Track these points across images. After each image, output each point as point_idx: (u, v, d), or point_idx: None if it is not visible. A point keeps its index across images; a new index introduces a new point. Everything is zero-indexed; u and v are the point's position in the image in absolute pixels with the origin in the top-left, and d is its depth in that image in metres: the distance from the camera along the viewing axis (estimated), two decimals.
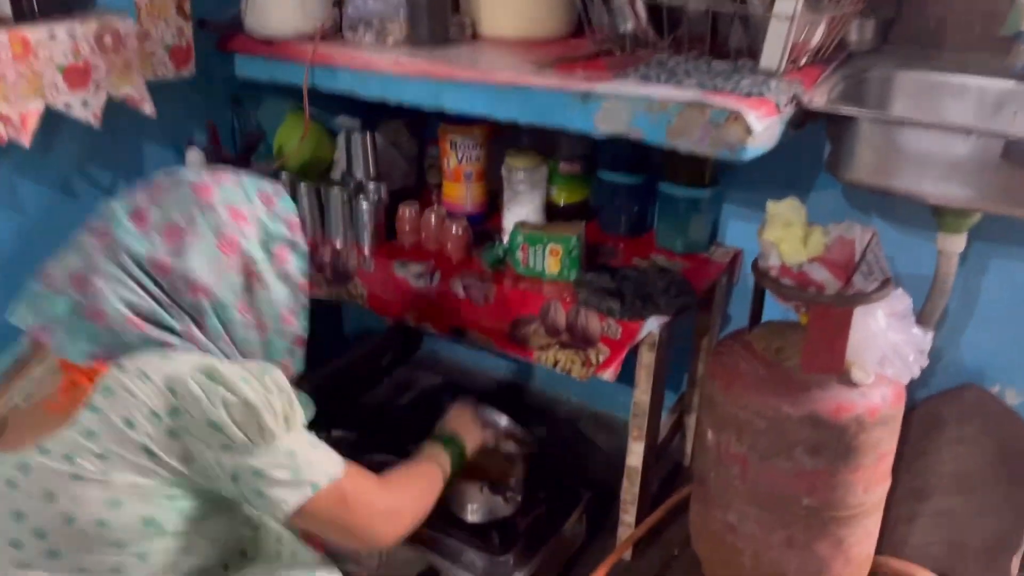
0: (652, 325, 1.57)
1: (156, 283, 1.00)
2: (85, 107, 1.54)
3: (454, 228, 1.84)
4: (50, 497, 0.95)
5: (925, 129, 1.38)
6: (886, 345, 1.43)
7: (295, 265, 1.10)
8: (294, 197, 1.87)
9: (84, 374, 0.98)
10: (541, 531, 1.66)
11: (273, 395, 0.99)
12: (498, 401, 2.26)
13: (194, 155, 1.81)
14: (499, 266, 1.78)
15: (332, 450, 1.09)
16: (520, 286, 1.72)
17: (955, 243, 1.56)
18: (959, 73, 1.59)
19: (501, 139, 1.98)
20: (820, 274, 1.40)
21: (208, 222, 1.03)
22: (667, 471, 2.09)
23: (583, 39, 1.73)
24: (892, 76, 1.61)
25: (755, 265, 1.52)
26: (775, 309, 1.59)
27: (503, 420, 1.74)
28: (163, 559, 1.02)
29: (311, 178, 1.92)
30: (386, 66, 1.62)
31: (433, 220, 1.87)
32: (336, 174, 2.02)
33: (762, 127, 1.29)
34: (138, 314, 0.99)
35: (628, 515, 1.76)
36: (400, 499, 1.18)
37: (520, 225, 1.76)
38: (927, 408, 1.80)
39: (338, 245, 1.89)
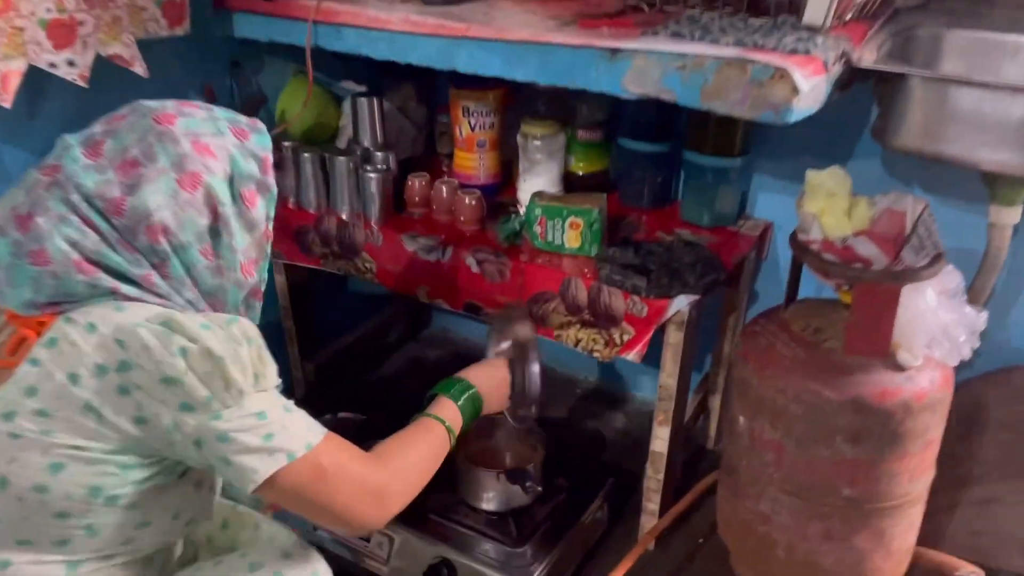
0: (681, 303, 1.47)
1: (108, 222, 0.89)
2: (71, 67, 1.43)
3: (467, 200, 1.73)
4: None
5: (986, 90, 1.27)
6: (936, 325, 1.33)
7: (262, 210, 0.98)
8: (297, 166, 1.78)
9: (31, 327, 0.88)
10: (561, 520, 1.57)
11: (241, 346, 0.88)
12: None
13: None
14: (515, 240, 1.67)
15: (309, 417, 0.98)
16: (538, 261, 1.61)
17: (1009, 215, 1.45)
18: (1012, 32, 1.47)
19: (516, 105, 1.87)
20: (867, 249, 1.29)
21: (168, 154, 0.91)
22: (689, 454, 2.00)
23: None
24: (942, 34, 1.49)
25: (793, 239, 1.41)
26: (806, 286, 1.48)
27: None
28: (115, 534, 0.93)
29: (315, 146, 1.81)
30: (395, 24, 1.51)
31: (444, 191, 1.76)
32: (341, 142, 1.91)
33: (809, 87, 1.17)
34: (86, 257, 0.88)
35: (651, 503, 1.67)
36: (390, 475, 1.03)
37: (537, 196, 1.65)
38: (970, 390, 1.70)
39: (344, 217, 1.79)
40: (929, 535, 1.57)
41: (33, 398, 0.86)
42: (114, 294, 0.89)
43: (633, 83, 1.29)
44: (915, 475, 1.40)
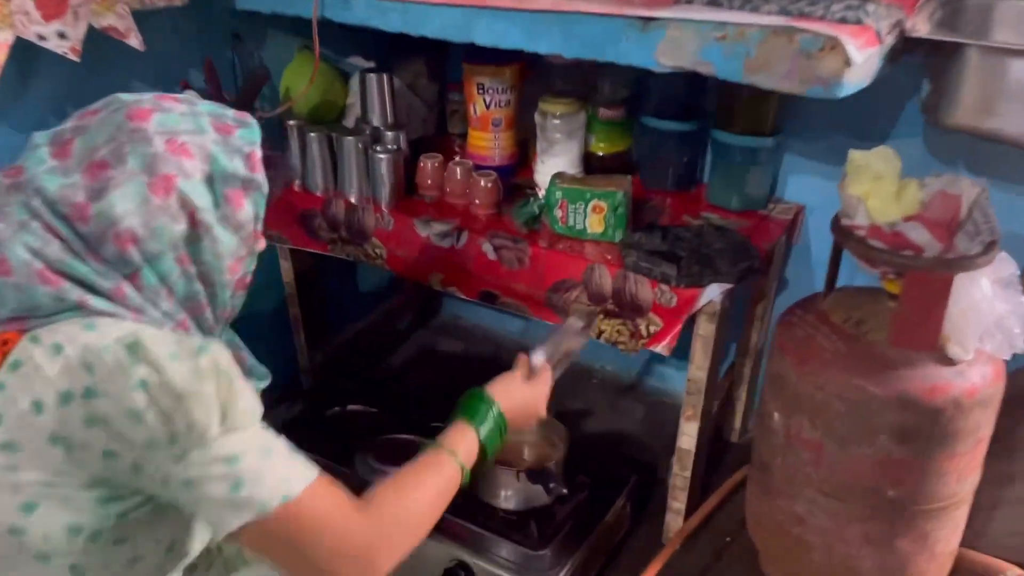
0: (712, 293, 1.38)
1: (72, 230, 0.80)
2: (62, 39, 1.34)
3: (482, 182, 1.64)
4: None
5: None
6: (989, 316, 1.24)
7: (250, 211, 0.88)
8: (303, 147, 1.68)
9: None
10: (583, 521, 1.49)
11: (207, 381, 0.78)
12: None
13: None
14: (534, 225, 1.58)
15: (296, 455, 0.85)
16: (558, 247, 1.52)
17: None
18: None
19: (532, 81, 1.77)
20: (918, 234, 1.20)
21: (139, 156, 0.81)
22: (713, 447, 1.92)
23: None
24: (993, 3, 1.39)
25: (836, 224, 1.32)
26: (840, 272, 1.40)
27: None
28: (103, 574, 0.84)
29: (322, 125, 1.72)
30: None
31: (459, 173, 1.67)
32: (349, 121, 1.82)
33: (862, 58, 1.08)
34: (50, 267, 0.79)
35: (678, 502, 1.59)
36: (381, 529, 0.89)
37: (558, 178, 1.56)
38: (1013, 383, 1.61)
39: (353, 200, 1.70)
40: (969, 535, 1.50)
41: None
42: (82, 307, 0.80)
43: (667, 55, 1.19)
44: (963, 475, 1.32)
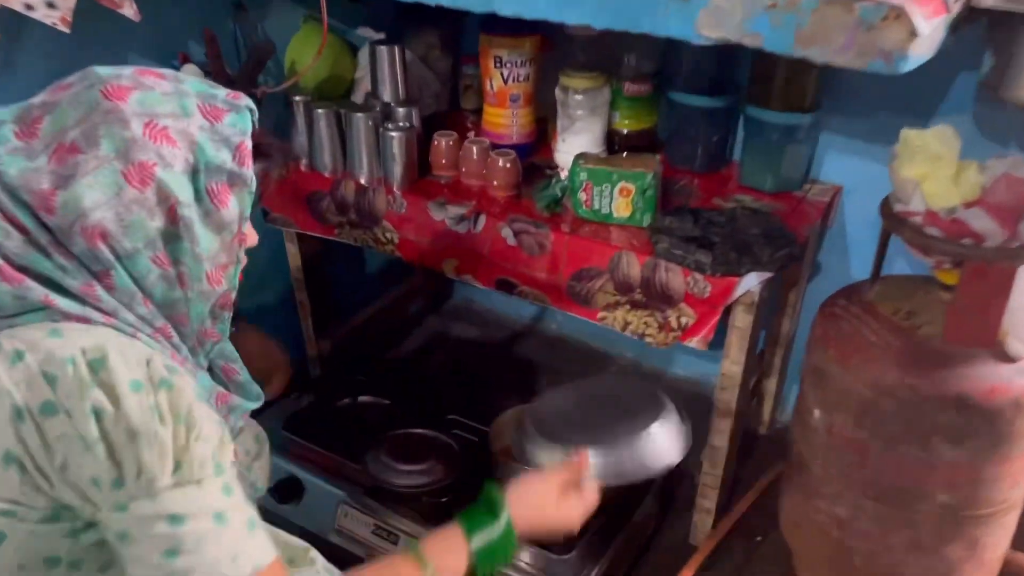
0: (750, 282, 1.29)
1: (37, 220, 0.71)
2: (51, 9, 1.24)
3: (500, 162, 1.54)
4: None
5: None
6: None
7: (235, 209, 0.78)
8: (310, 124, 1.58)
9: None
10: (610, 521, 1.41)
11: (164, 424, 0.68)
12: (539, 359, 2.03)
13: (188, 73, 1.50)
14: (555, 208, 1.49)
15: (256, 530, 0.75)
16: (582, 232, 1.43)
17: None
18: None
19: (552, 54, 1.66)
20: (981, 222, 1.11)
21: (113, 139, 0.72)
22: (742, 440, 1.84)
23: None
24: None
25: (886, 209, 1.22)
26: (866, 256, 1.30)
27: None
28: None
29: (330, 101, 1.62)
30: None
31: (475, 152, 1.57)
32: (358, 96, 1.72)
33: (929, 29, 0.97)
34: (10, 262, 0.71)
35: (707, 500, 1.51)
36: None
37: (582, 158, 1.46)
38: None
39: (363, 181, 1.60)
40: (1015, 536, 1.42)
41: None
42: (48, 308, 0.71)
43: (709, 26, 1.09)
44: (1018, 479, 1.23)
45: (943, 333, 1.18)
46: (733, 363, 1.37)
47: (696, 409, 1.89)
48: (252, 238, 0.86)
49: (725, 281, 1.30)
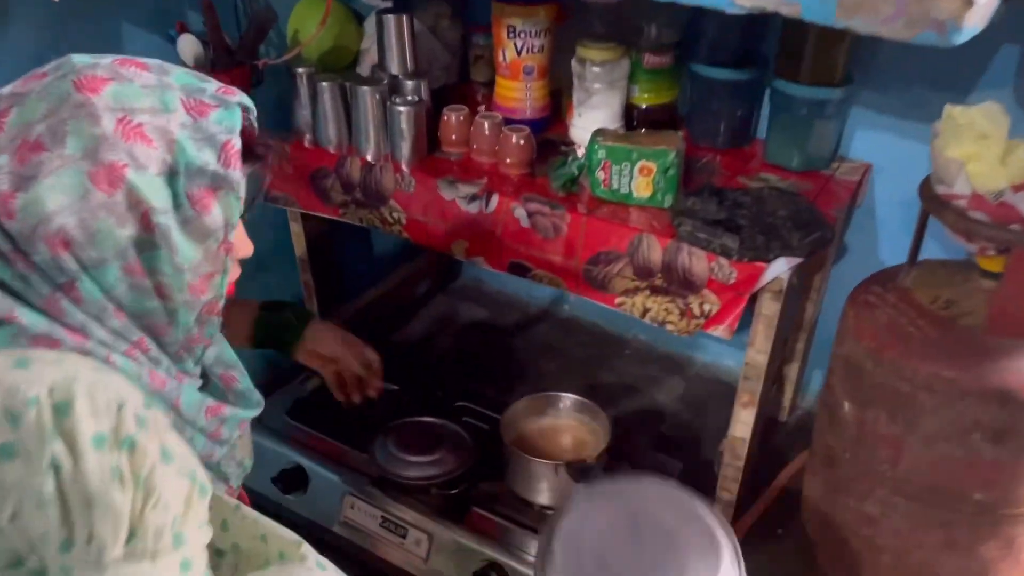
0: (779, 268, 1.22)
1: None
2: None
3: (514, 138, 1.46)
4: None
5: None
6: None
7: (219, 215, 0.71)
8: (313, 98, 1.51)
9: None
10: None
11: (123, 489, 0.61)
12: (552, 342, 1.97)
13: (186, 43, 1.43)
14: (572, 188, 1.41)
15: None
16: (600, 213, 1.36)
17: None
18: None
19: (569, 24, 1.58)
20: None
21: (81, 136, 0.65)
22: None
23: None
24: None
25: (926, 191, 1.15)
26: (901, 241, 1.23)
27: None
28: None
29: (334, 73, 1.54)
30: None
31: (487, 128, 1.50)
32: (364, 68, 1.64)
33: None
34: None
35: (728, 493, 1.45)
36: None
37: (600, 135, 1.38)
38: None
39: (369, 158, 1.53)
40: None
41: None
42: (10, 324, 0.64)
43: None
44: None
45: (985, 324, 1.12)
46: (758, 352, 1.30)
47: (714, 393, 1.85)
48: (245, 248, 0.79)
49: (752, 267, 1.23)
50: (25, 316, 0.65)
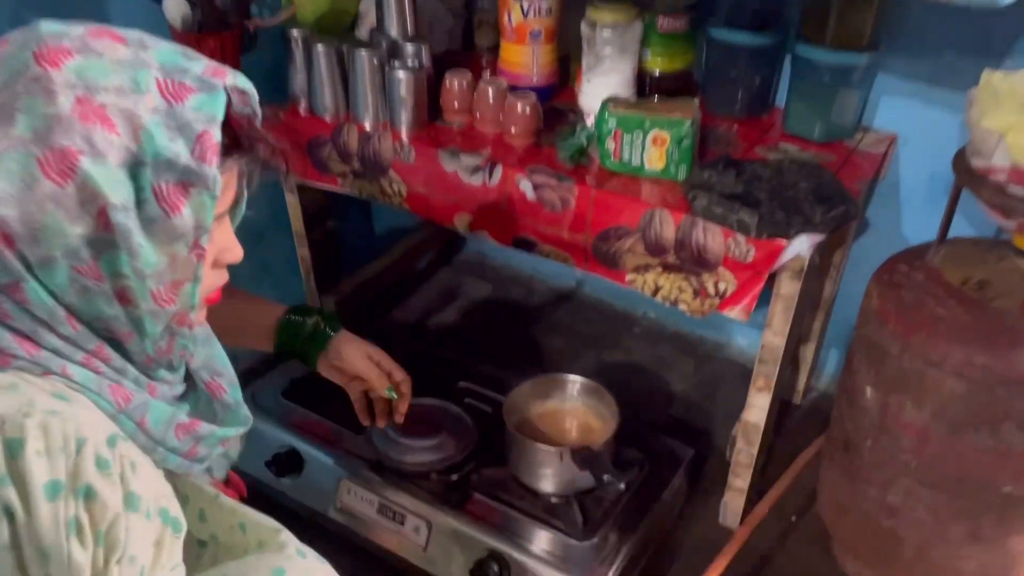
0: (800, 246, 1.15)
1: None
2: None
3: (519, 106, 1.39)
4: None
5: None
6: None
7: (189, 217, 0.62)
8: (309, 63, 1.43)
9: None
10: (636, 503, 1.30)
11: (85, 544, 0.56)
12: (558, 319, 1.90)
13: (172, 4, 1.35)
14: (580, 159, 1.34)
15: None
16: (610, 186, 1.28)
17: None
18: None
19: None
20: None
21: (33, 116, 0.56)
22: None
23: None
24: None
25: (960, 164, 1.07)
26: (931, 218, 1.15)
27: None
28: None
29: (331, 37, 1.46)
30: None
31: (491, 95, 1.42)
32: (362, 31, 1.56)
33: None
34: None
35: (740, 479, 1.39)
36: None
37: (611, 103, 1.30)
38: None
39: (367, 126, 1.45)
40: None
41: None
42: None
43: None
44: None
45: (1021, 307, 1.04)
46: (775, 334, 1.23)
47: (726, 374, 1.79)
48: (233, 252, 0.71)
49: (771, 244, 1.15)
50: None
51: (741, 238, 1.17)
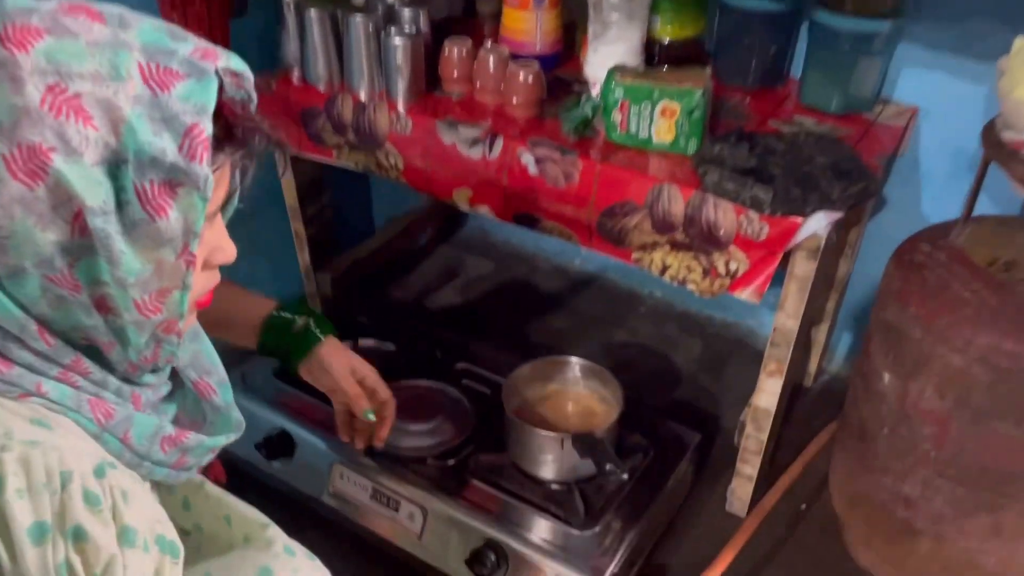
0: (817, 224, 1.08)
1: None
2: None
3: (521, 75, 1.32)
4: None
5: None
6: None
7: (177, 219, 0.56)
8: (301, 29, 1.37)
9: None
10: (640, 491, 1.25)
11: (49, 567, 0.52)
12: (561, 298, 1.85)
13: None
14: (585, 131, 1.27)
15: None
16: (615, 160, 1.22)
17: None
18: None
19: None
20: None
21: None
22: None
23: None
24: None
25: (990, 137, 1.01)
26: (954, 196, 1.08)
27: None
28: None
29: (325, 1, 1.39)
30: None
31: (492, 63, 1.35)
32: None
33: None
34: None
35: (749, 466, 1.34)
36: None
37: (618, 73, 1.24)
38: None
39: (362, 97, 1.39)
40: None
41: None
42: None
43: None
44: None
45: None
46: (789, 317, 1.17)
47: (733, 354, 1.73)
48: (225, 252, 0.66)
49: (786, 222, 1.09)
50: None
51: (754, 215, 1.11)
